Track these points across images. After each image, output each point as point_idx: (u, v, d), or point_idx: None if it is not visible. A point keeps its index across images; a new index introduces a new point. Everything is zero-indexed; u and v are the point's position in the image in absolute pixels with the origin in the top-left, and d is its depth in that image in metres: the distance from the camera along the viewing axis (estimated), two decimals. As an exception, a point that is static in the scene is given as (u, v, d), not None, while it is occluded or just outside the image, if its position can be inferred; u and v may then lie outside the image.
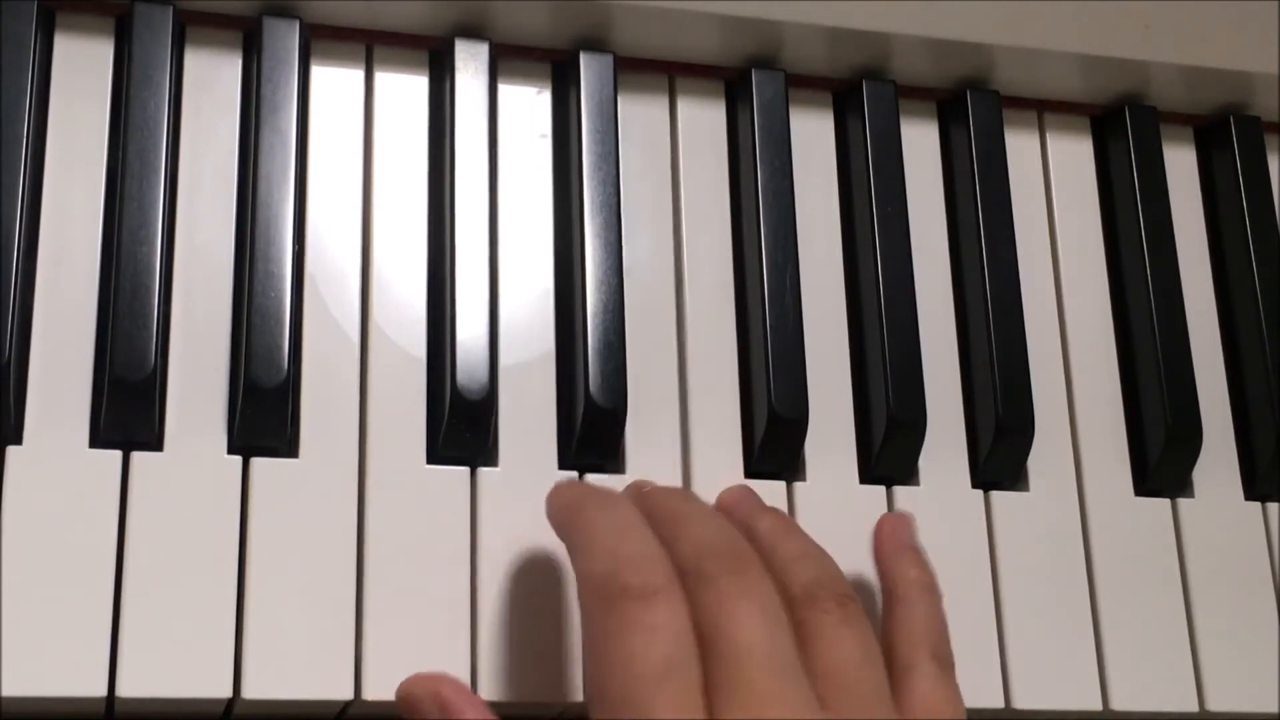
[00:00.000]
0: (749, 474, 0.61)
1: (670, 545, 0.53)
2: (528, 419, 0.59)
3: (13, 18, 0.57)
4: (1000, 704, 0.60)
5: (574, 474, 0.58)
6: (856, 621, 0.52)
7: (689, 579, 0.51)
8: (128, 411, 0.54)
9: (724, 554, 0.51)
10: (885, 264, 0.63)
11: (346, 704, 0.54)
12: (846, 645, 0.51)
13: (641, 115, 0.65)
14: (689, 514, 0.54)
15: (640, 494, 0.56)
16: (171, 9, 0.59)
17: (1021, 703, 0.60)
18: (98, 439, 0.54)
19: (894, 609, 0.56)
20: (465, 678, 0.55)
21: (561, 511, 0.54)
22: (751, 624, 0.49)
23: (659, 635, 0.48)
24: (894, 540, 0.59)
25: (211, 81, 0.60)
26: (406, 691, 0.54)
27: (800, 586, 0.53)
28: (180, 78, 0.59)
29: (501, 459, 0.58)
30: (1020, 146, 0.69)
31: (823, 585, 0.53)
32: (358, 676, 0.54)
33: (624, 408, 0.59)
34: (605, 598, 0.49)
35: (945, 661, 0.55)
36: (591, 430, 0.58)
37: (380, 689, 0.54)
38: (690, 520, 0.53)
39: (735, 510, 0.58)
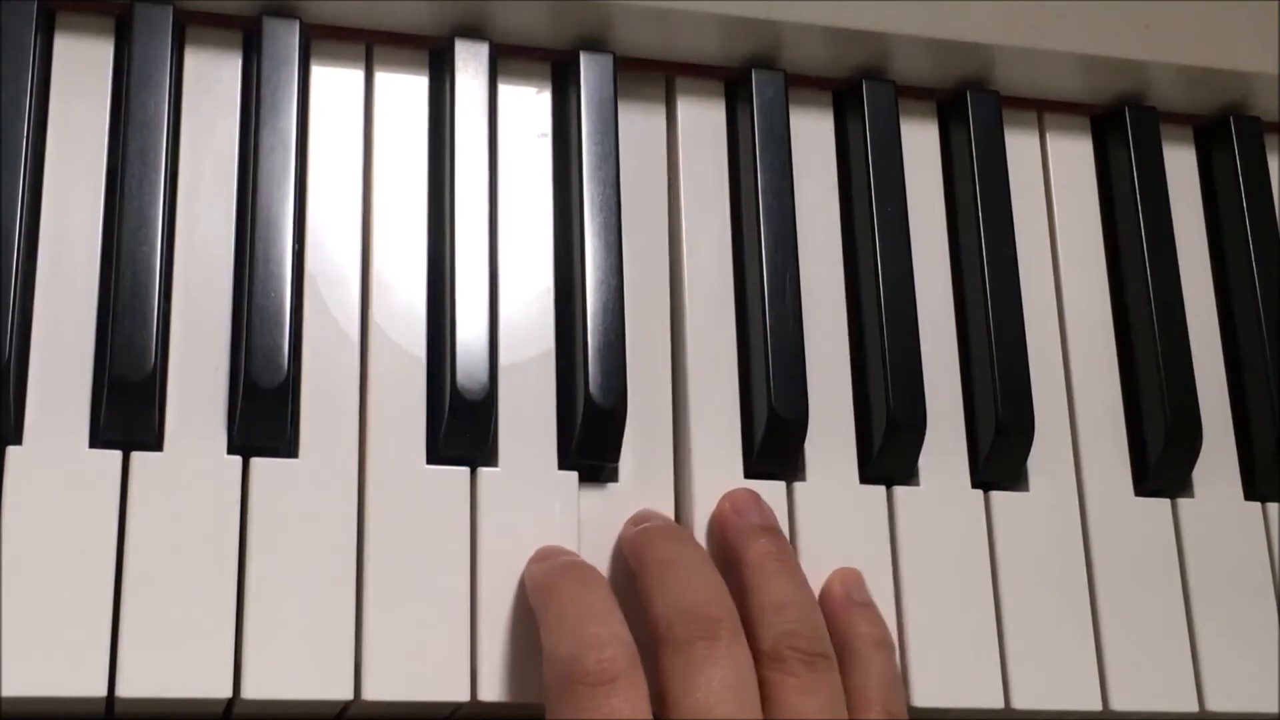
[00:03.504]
0: (749, 474, 0.61)
1: (650, 594, 0.54)
2: (528, 419, 0.59)
3: (13, 18, 0.57)
4: (1000, 704, 0.60)
5: (574, 474, 0.58)
6: (822, 686, 0.53)
7: (661, 639, 0.52)
8: (128, 411, 0.54)
9: (698, 618, 0.52)
10: (885, 264, 0.63)
11: (346, 704, 0.54)
12: (806, 716, 0.52)
13: (641, 115, 0.65)
14: (674, 562, 0.55)
15: (637, 531, 0.57)
16: (171, 9, 0.59)
17: (1021, 703, 0.60)
18: (98, 439, 0.54)
19: (847, 663, 0.56)
20: (465, 678, 0.55)
21: (535, 586, 0.55)
22: (714, 698, 0.50)
23: None
24: (846, 596, 0.58)
25: (211, 81, 0.60)
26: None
27: (770, 641, 0.53)
28: (180, 78, 0.59)
29: (501, 459, 0.58)
30: (1020, 146, 0.69)
31: (793, 643, 0.53)
32: (358, 676, 0.54)
33: (624, 408, 0.59)
34: (567, 680, 0.50)
35: (898, 716, 0.55)
36: (591, 430, 0.58)
37: (380, 689, 0.54)
38: (674, 570, 0.54)
39: (734, 522, 0.58)
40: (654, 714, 0.51)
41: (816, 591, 0.58)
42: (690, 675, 0.51)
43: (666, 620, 0.53)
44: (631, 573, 0.57)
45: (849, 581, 0.59)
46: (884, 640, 0.57)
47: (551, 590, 0.54)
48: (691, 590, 0.54)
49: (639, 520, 0.58)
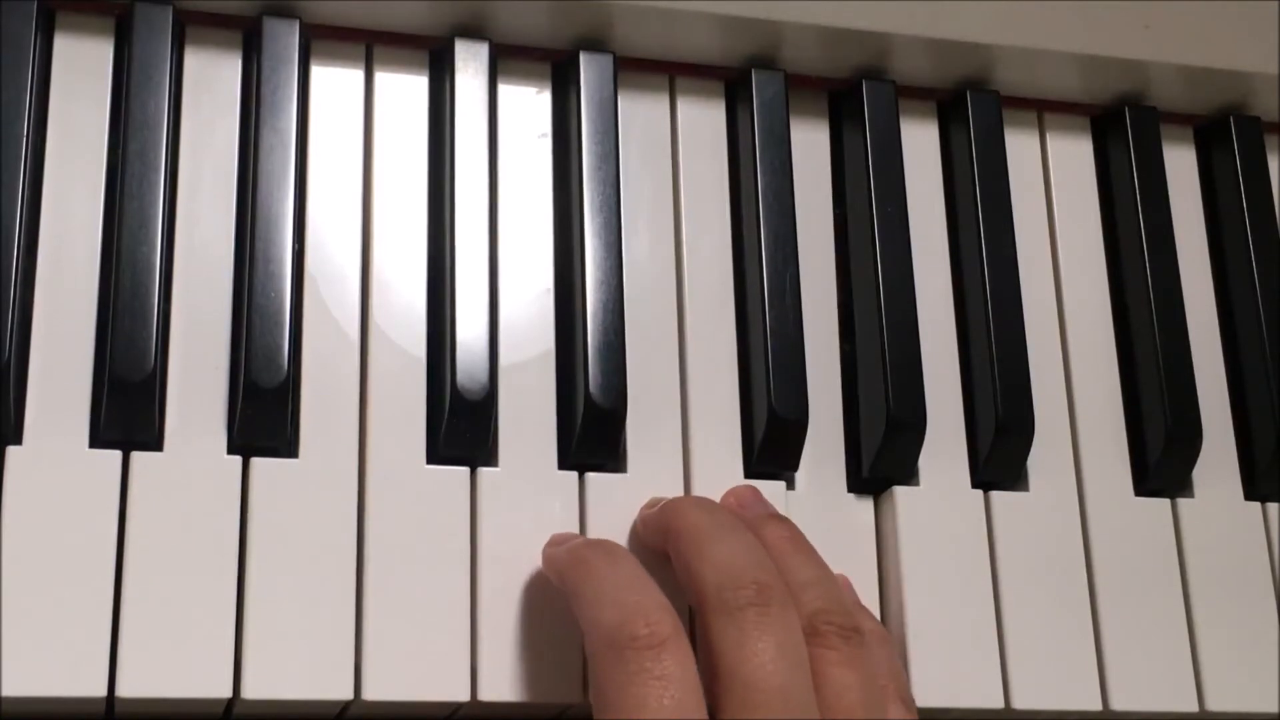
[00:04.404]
0: (749, 474, 0.61)
1: (692, 562, 0.53)
2: (528, 419, 0.59)
3: (13, 18, 0.57)
4: (1000, 704, 0.60)
5: (574, 474, 0.58)
6: (859, 659, 0.53)
7: (710, 607, 0.52)
8: (128, 411, 0.54)
9: (748, 583, 0.52)
10: (885, 264, 0.63)
11: (346, 704, 0.54)
12: (850, 690, 0.52)
13: (641, 115, 0.65)
14: (711, 528, 0.54)
15: (664, 505, 0.57)
16: (171, 9, 0.59)
17: (1021, 703, 0.60)
18: (98, 439, 0.54)
19: None
20: (465, 678, 0.55)
21: (564, 562, 0.54)
22: (770, 667, 0.50)
23: (669, 686, 0.49)
24: None
25: (211, 81, 0.60)
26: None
27: (805, 619, 0.53)
28: (180, 78, 0.59)
29: (501, 459, 0.58)
30: (1020, 146, 0.69)
31: (829, 618, 0.53)
32: (358, 676, 0.54)
33: (624, 408, 0.59)
34: (614, 647, 0.50)
35: (910, 704, 0.56)
36: (591, 430, 0.58)
37: (380, 689, 0.54)
38: (713, 536, 0.54)
39: (741, 514, 0.58)
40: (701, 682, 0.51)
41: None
42: (744, 643, 0.50)
43: (716, 587, 0.52)
44: (644, 561, 0.57)
45: (843, 586, 0.59)
46: (884, 636, 0.58)
47: (583, 564, 0.53)
48: (736, 555, 0.53)
49: (652, 506, 0.58)
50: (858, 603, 0.59)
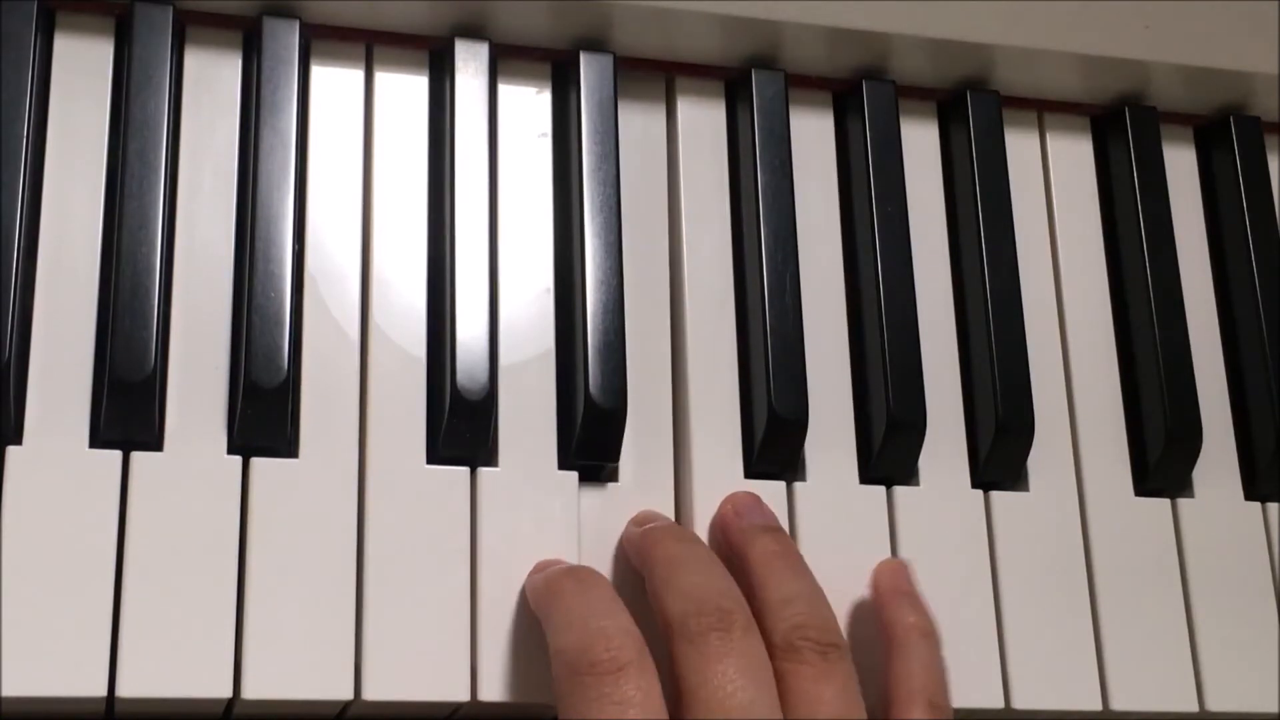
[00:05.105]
0: (749, 474, 0.61)
1: (660, 591, 0.54)
2: (528, 419, 0.59)
3: (13, 18, 0.57)
4: (1000, 704, 0.60)
5: (574, 474, 0.58)
6: (836, 674, 0.53)
7: (675, 634, 0.52)
8: (128, 411, 0.54)
9: (711, 610, 0.52)
10: (885, 264, 0.63)
11: (346, 704, 0.54)
12: (822, 706, 0.52)
13: (641, 115, 0.65)
14: (682, 559, 0.55)
15: (643, 531, 0.57)
16: (171, 9, 0.59)
17: (1021, 703, 0.60)
18: (98, 439, 0.54)
19: (892, 653, 0.56)
20: (465, 678, 0.55)
21: (540, 590, 0.55)
22: (730, 688, 0.50)
23: (628, 710, 0.49)
24: (893, 586, 0.59)
25: (211, 81, 0.60)
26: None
27: (782, 634, 0.53)
28: (180, 78, 0.59)
29: (501, 459, 0.58)
30: (1020, 146, 0.69)
31: (805, 633, 0.53)
32: (358, 676, 0.54)
33: (624, 408, 0.59)
34: (576, 672, 0.50)
35: (943, 709, 0.55)
36: (591, 430, 0.58)
37: (380, 689, 0.54)
38: (683, 567, 0.54)
39: (736, 524, 0.58)
40: (669, 710, 0.51)
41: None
42: (705, 667, 0.51)
43: (680, 615, 0.52)
44: (633, 573, 0.57)
45: (896, 572, 0.59)
46: (929, 630, 0.57)
47: (554, 592, 0.54)
48: (702, 585, 0.54)
49: (642, 521, 0.58)
50: (912, 593, 0.58)
